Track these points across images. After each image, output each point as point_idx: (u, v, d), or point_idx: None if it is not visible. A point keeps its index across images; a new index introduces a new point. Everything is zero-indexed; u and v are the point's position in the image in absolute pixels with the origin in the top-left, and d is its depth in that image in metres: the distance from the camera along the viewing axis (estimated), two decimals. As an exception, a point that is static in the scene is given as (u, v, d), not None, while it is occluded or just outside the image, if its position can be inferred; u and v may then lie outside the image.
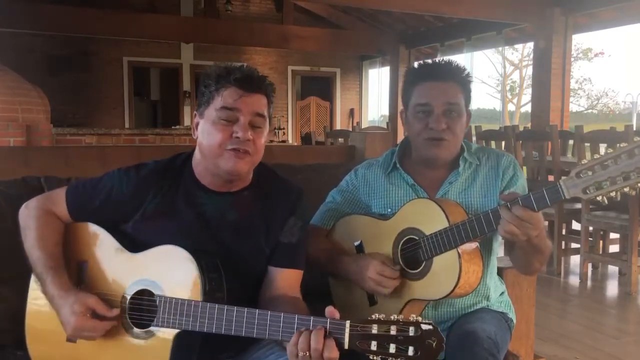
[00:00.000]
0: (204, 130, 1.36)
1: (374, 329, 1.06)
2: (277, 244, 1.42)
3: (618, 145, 1.22)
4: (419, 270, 1.48)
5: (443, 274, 1.44)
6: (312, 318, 1.13)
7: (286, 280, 1.42)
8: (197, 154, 1.41)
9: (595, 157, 1.24)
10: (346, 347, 1.09)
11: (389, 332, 1.06)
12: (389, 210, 1.62)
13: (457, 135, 1.56)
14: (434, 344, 1.04)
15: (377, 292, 1.50)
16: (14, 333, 1.50)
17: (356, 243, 1.61)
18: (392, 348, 1.05)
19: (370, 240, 1.60)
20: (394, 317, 1.07)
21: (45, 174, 1.74)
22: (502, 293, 1.71)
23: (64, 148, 3.89)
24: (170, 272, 1.29)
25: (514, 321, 1.70)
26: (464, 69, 1.59)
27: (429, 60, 1.64)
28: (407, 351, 1.04)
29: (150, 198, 1.38)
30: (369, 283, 1.48)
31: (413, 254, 1.50)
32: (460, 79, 1.57)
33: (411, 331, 1.05)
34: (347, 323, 1.09)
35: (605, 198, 1.24)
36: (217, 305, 1.21)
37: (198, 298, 1.24)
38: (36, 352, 1.40)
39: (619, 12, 7.62)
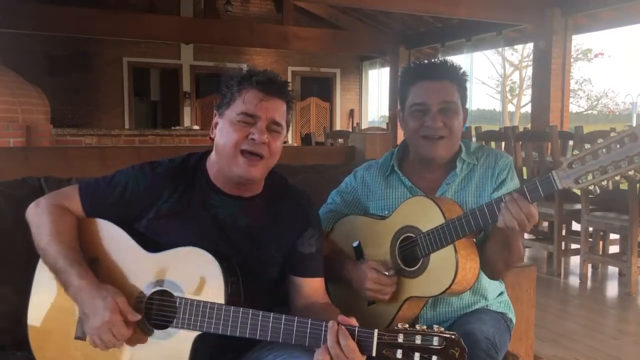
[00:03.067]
0: (222, 130, 1.37)
1: (400, 338, 1.11)
2: (299, 255, 1.44)
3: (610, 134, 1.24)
4: (416, 267, 1.49)
5: (440, 270, 1.44)
6: (338, 324, 1.15)
7: (312, 288, 1.44)
8: (213, 155, 1.42)
9: (586, 147, 1.25)
10: (374, 354, 1.13)
11: (414, 341, 1.10)
12: (386, 212, 1.63)
13: (454, 132, 1.57)
14: (457, 354, 1.08)
15: (377, 299, 1.52)
16: (13, 333, 1.50)
17: (354, 244, 1.62)
18: (417, 357, 1.09)
19: (369, 240, 1.60)
20: (418, 327, 1.11)
21: (45, 175, 1.74)
22: (502, 293, 1.71)
23: (64, 148, 3.90)
24: (192, 273, 1.29)
25: (514, 321, 1.70)
26: (459, 68, 1.61)
27: (425, 60, 1.65)
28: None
29: (165, 197, 1.37)
30: (368, 293, 1.51)
31: (410, 252, 1.50)
32: (455, 78, 1.58)
33: (435, 341, 1.09)
34: (376, 332, 1.13)
35: (597, 187, 1.25)
36: (241, 309, 1.22)
37: (220, 301, 1.24)
38: (41, 352, 1.38)
39: (619, 13, 7.63)
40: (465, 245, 1.45)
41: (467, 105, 1.66)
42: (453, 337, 1.09)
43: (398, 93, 1.65)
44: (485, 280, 1.62)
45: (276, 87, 1.37)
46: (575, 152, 1.27)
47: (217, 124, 1.40)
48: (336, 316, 1.33)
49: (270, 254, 1.42)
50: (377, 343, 1.12)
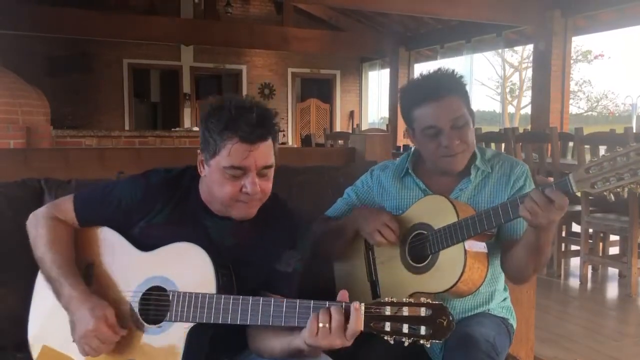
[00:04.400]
0: (213, 180, 1.33)
1: (387, 311, 1.12)
2: (274, 272, 1.42)
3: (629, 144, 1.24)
4: (424, 263, 1.50)
5: (448, 267, 1.45)
6: (327, 303, 1.17)
7: None
8: (202, 183, 1.40)
9: (605, 154, 1.26)
10: (361, 328, 1.13)
11: (402, 313, 1.11)
12: (400, 212, 1.64)
13: (470, 144, 1.57)
14: (445, 323, 1.09)
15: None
16: (13, 334, 1.50)
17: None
18: (405, 328, 1.10)
19: None
20: (405, 299, 1.12)
21: (45, 176, 1.74)
22: (505, 299, 1.72)
23: (64, 150, 3.88)
24: (183, 267, 1.31)
25: (515, 327, 1.70)
26: (456, 75, 1.57)
27: (419, 77, 1.60)
28: (419, 330, 1.10)
29: (158, 208, 1.38)
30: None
31: (420, 248, 1.52)
32: (457, 89, 1.55)
33: (422, 311, 1.10)
34: (362, 305, 1.13)
35: (612, 194, 1.26)
36: (231, 296, 1.24)
37: (212, 291, 1.26)
38: (40, 356, 1.39)
39: (619, 14, 7.63)
40: (476, 245, 1.46)
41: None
42: (440, 306, 1.10)
43: (401, 112, 1.63)
44: (493, 286, 1.63)
45: (261, 131, 1.29)
46: (594, 158, 1.27)
47: (202, 162, 1.36)
48: (295, 334, 1.28)
49: (257, 275, 1.40)
50: (365, 317, 1.13)
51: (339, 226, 1.65)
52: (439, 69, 1.59)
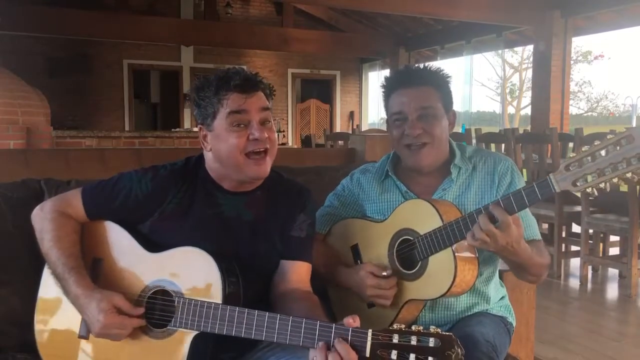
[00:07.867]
0: (219, 140, 1.37)
1: (395, 339, 1.08)
2: (289, 238, 1.46)
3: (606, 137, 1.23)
4: (414, 270, 1.49)
5: (439, 273, 1.44)
6: (334, 325, 1.14)
7: (297, 273, 1.45)
8: (209, 161, 1.43)
9: (583, 149, 1.24)
10: (367, 355, 1.10)
11: (410, 342, 1.07)
12: (382, 216, 1.62)
13: (437, 138, 1.54)
14: (453, 355, 1.05)
15: (380, 304, 1.51)
16: (14, 335, 1.50)
17: (352, 245, 1.63)
18: (412, 358, 1.06)
19: (366, 242, 1.61)
20: (414, 327, 1.09)
21: (45, 177, 1.74)
22: (503, 297, 1.71)
23: (64, 150, 3.89)
24: (190, 273, 1.30)
25: (514, 325, 1.70)
26: (439, 71, 1.57)
27: (402, 68, 1.63)
28: None
29: (169, 198, 1.39)
30: (369, 299, 1.51)
31: (409, 255, 1.50)
32: (434, 82, 1.55)
33: (431, 342, 1.06)
34: (369, 332, 1.11)
35: (595, 189, 1.24)
36: (237, 309, 1.23)
37: (218, 300, 1.25)
38: (47, 351, 1.40)
39: (619, 15, 7.64)
40: (463, 247, 1.45)
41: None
42: (449, 338, 1.07)
43: (383, 104, 1.64)
44: (486, 284, 1.62)
45: (252, 83, 1.38)
46: (572, 154, 1.26)
47: (206, 136, 1.40)
48: (317, 305, 1.35)
49: (275, 245, 1.45)
50: (372, 343, 1.10)
51: (332, 280, 1.61)
52: (425, 65, 1.61)
